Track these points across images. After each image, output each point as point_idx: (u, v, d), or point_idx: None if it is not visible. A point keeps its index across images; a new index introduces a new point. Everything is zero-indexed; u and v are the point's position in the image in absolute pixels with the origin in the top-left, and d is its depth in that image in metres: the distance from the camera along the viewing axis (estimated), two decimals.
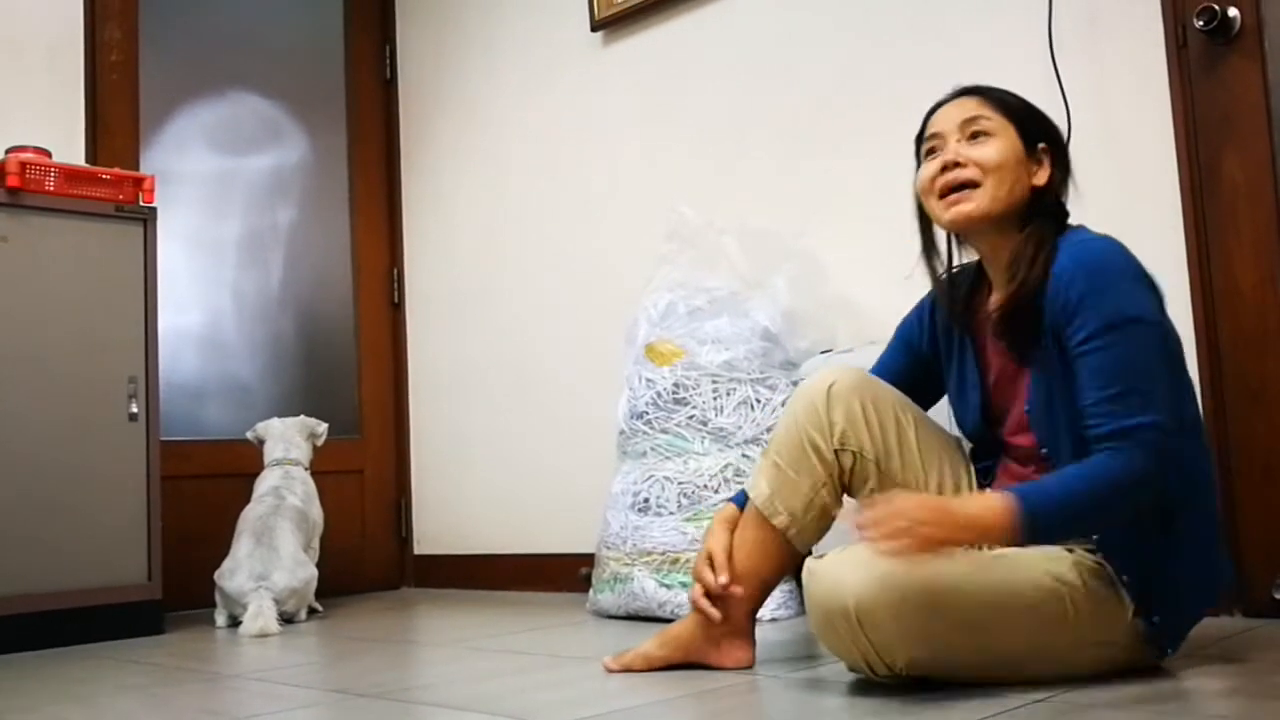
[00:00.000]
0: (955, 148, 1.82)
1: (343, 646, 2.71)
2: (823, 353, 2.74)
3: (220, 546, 3.19)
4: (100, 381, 2.99)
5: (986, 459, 1.93)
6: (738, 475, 2.73)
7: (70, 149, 3.39)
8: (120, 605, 2.95)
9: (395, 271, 4.28)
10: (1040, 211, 1.81)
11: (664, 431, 2.84)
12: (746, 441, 2.76)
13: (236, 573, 3.07)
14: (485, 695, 1.93)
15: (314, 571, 3.21)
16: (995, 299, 1.85)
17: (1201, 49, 2.39)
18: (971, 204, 1.80)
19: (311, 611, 3.27)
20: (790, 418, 1.91)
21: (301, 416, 3.51)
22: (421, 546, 4.14)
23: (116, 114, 3.60)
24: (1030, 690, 1.63)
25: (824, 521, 1.90)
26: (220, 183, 3.94)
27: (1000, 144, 1.81)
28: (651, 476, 2.82)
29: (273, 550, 3.09)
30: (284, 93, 4.12)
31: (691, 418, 2.80)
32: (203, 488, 3.59)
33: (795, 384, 2.75)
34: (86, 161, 3.44)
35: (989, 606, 1.63)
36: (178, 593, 3.22)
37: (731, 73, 3.25)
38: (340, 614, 3.37)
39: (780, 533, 1.89)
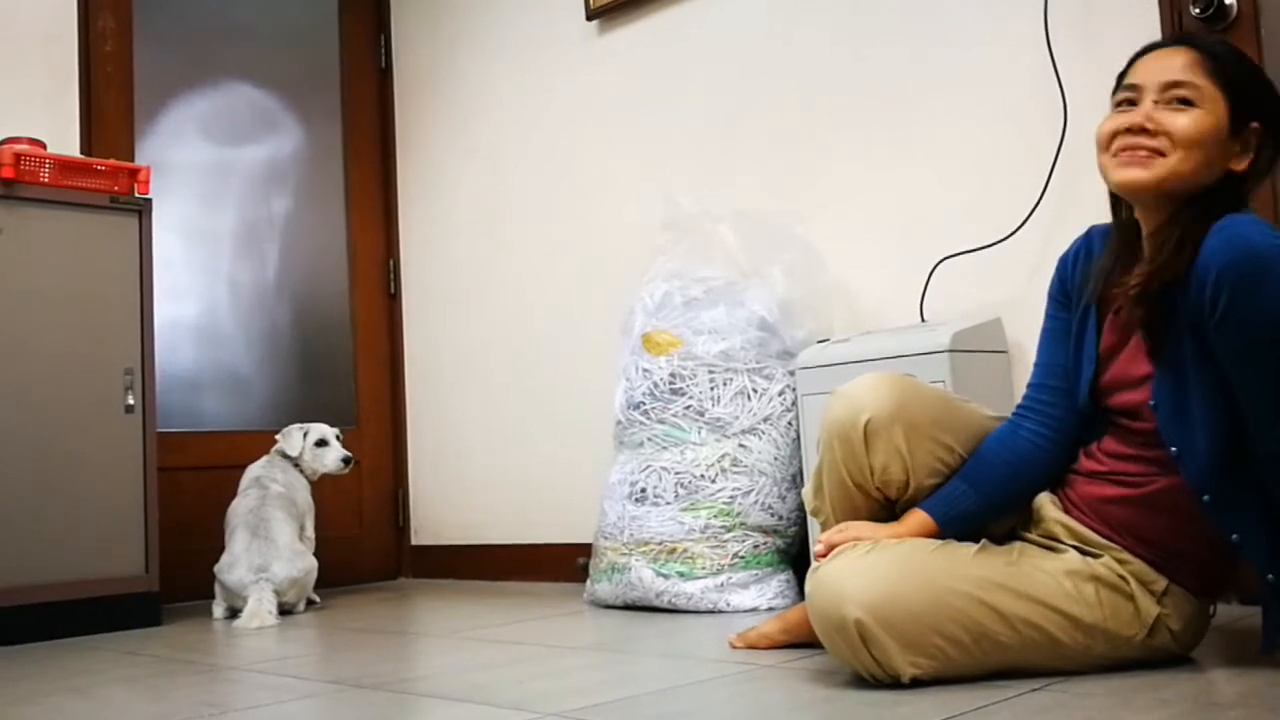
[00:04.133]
0: (1149, 110, 1.63)
1: (340, 638, 2.72)
2: (819, 342, 2.74)
3: (217, 538, 3.19)
4: (96, 373, 2.98)
5: (1088, 439, 1.77)
6: (734, 465, 2.73)
7: (65, 140, 3.38)
8: (117, 597, 2.95)
9: (391, 262, 4.27)
10: (1220, 197, 1.60)
11: (661, 422, 2.83)
12: (743, 431, 2.75)
13: (235, 566, 3.07)
14: (482, 685, 1.93)
15: (313, 562, 3.21)
16: (1134, 276, 1.64)
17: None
18: (1147, 172, 1.61)
19: (309, 603, 3.27)
20: (830, 452, 1.82)
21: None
22: (419, 537, 4.14)
23: (111, 105, 3.59)
24: (1028, 680, 1.63)
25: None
26: (215, 173, 3.93)
27: (1201, 117, 1.60)
28: (649, 466, 2.82)
29: (269, 541, 3.09)
30: (279, 82, 4.10)
31: (688, 408, 2.80)
32: (200, 479, 3.58)
33: (792, 374, 2.75)
34: (81, 153, 3.43)
35: (993, 622, 1.62)
36: (175, 584, 3.21)
37: (726, 61, 3.24)
38: (338, 605, 3.37)
39: None
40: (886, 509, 1.83)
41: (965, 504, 1.77)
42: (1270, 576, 1.58)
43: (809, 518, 2.68)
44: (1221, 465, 1.57)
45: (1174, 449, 1.61)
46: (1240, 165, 1.63)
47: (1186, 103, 1.61)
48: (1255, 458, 1.54)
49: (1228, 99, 1.62)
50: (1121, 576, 1.66)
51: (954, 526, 1.76)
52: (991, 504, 1.78)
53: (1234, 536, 1.59)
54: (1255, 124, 1.62)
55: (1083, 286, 1.80)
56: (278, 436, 3.40)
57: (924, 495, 1.79)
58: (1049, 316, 1.87)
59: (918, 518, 1.77)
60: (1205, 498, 1.59)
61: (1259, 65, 1.65)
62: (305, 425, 3.42)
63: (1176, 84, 1.62)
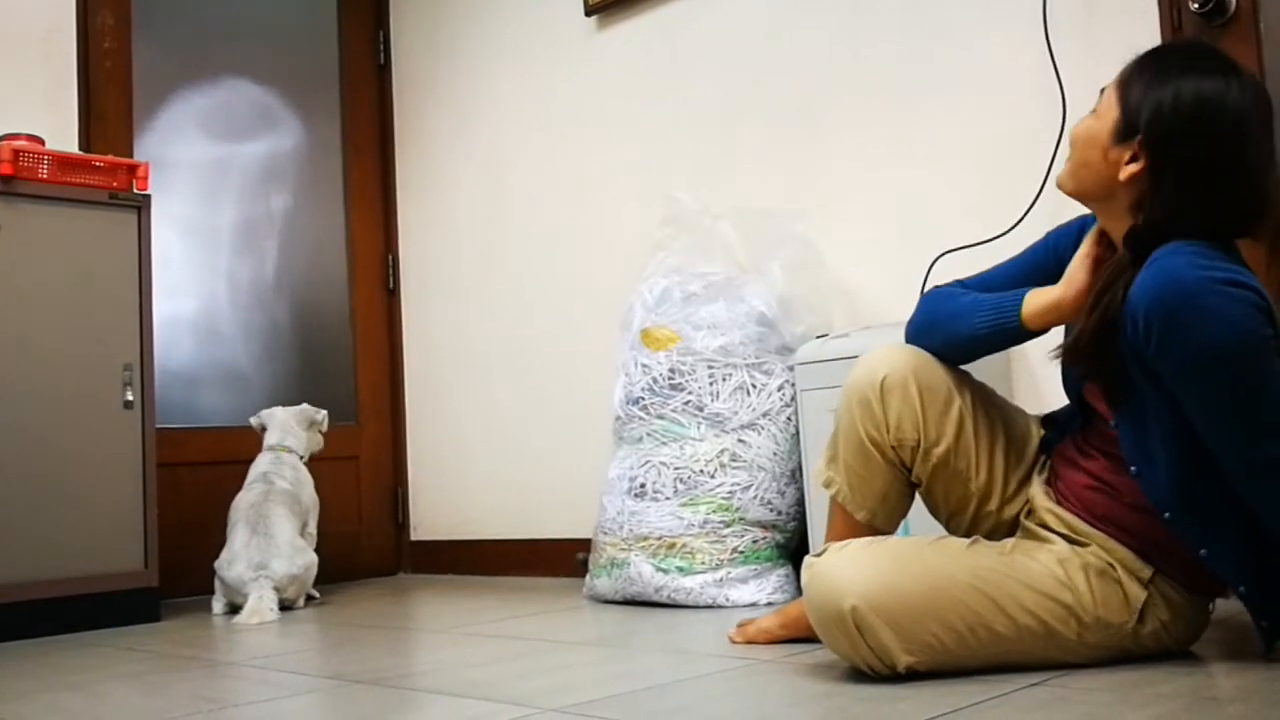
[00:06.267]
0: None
1: (340, 633, 2.72)
2: (818, 337, 2.74)
3: (217, 533, 3.18)
4: (95, 369, 2.98)
5: (1075, 426, 1.81)
6: (734, 460, 2.73)
7: (64, 136, 3.38)
8: (117, 593, 2.95)
9: (390, 257, 4.27)
10: (1145, 225, 1.59)
11: (660, 417, 2.83)
12: (742, 427, 2.75)
13: (235, 562, 3.06)
14: (482, 681, 1.93)
15: (314, 558, 3.20)
16: (1067, 340, 1.70)
17: (1197, 31, 2.38)
18: (1061, 173, 1.72)
19: (309, 598, 3.27)
20: (848, 414, 1.85)
21: (303, 405, 3.50)
22: (418, 533, 4.15)
23: (110, 101, 3.59)
24: (1026, 674, 1.64)
25: (904, 504, 1.89)
26: (214, 169, 3.93)
27: (1090, 123, 1.67)
28: (648, 462, 2.82)
29: (269, 538, 3.09)
30: (278, 79, 4.10)
31: (687, 403, 2.80)
32: (199, 475, 3.59)
33: (791, 369, 2.75)
34: (80, 149, 3.43)
35: (989, 611, 1.63)
36: (174, 580, 3.22)
37: (726, 57, 3.24)
38: (337, 601, 3.37)
39: (866, 522, 1.86)
40: (901, 479, 1.85)
41: None
42: (1242, 589, 1.60)
43: (808, 512, 2.68)
44: (1182, 487, 1.59)
45: (1134, 469, 1.64)
46: (1123, 175, 1.61)
47: (1095, 109, 1.67)
48: (1224, 475, 1.55)
49: (1120, 104, 1.62)
50: (1109, 563, 1.68)
51: None
52: None
53: (1202, 551, 1.60)
54: (1139, 136, 1.59)
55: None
56: (251, 421, 3.45)
57: (935, 463, 1.81)
58: (1031, 256, 1.89)
59: None
60: (1166, 515, 1.61)
61: (1195, 89, 1.57)
62: (285, 408, 3.46)
63: (1102, 90, 1.67)
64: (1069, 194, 1.73)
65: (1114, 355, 1.59)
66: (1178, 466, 1.58)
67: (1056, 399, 1.96)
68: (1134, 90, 1.62)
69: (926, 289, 1.99)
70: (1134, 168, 1.60)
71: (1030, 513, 1.80)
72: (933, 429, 1.80)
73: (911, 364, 1.82)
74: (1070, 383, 1.81)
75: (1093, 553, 1.69)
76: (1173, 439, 1.58)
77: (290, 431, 3.41)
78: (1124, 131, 1.61)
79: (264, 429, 3.44)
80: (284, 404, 3.51)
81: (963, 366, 1.89)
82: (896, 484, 1.85)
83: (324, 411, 3.54)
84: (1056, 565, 1.67)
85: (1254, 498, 1.55)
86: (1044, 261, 1.86)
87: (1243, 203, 1.58)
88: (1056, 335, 1.88)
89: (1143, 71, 1.63)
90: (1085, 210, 1.82)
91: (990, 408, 1.87)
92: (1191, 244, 1.53)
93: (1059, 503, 1.77)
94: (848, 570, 1.64)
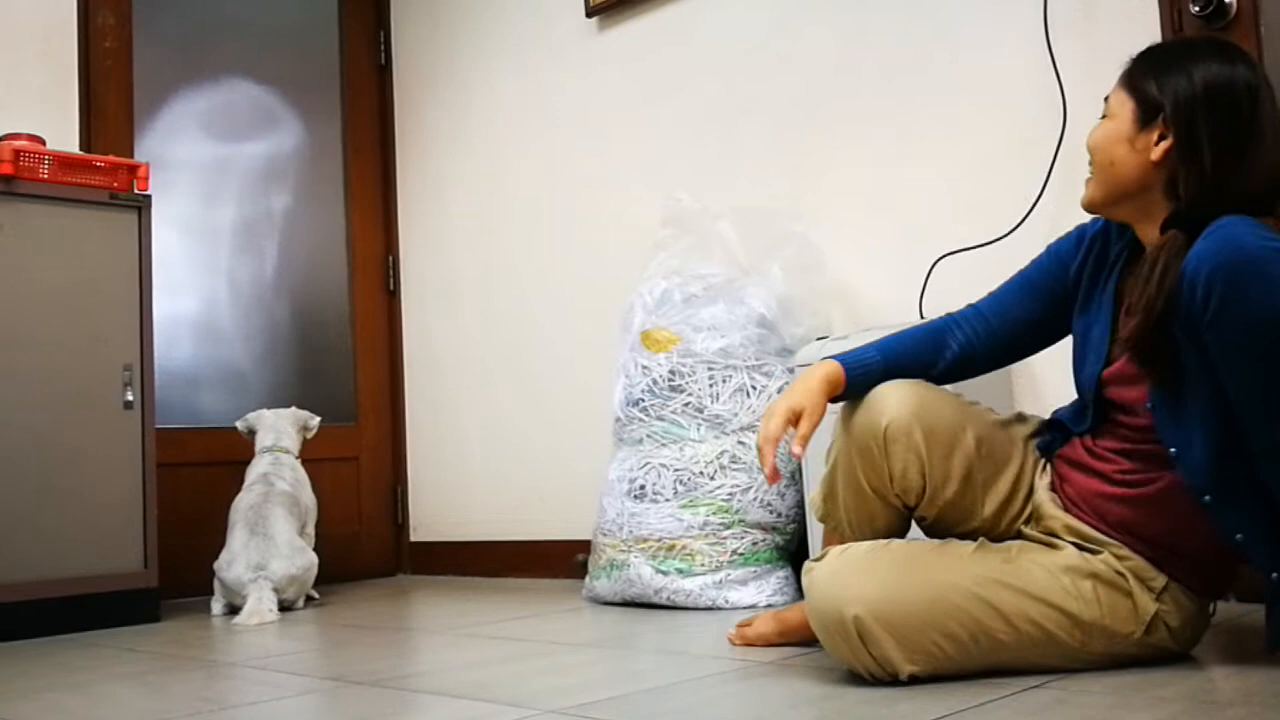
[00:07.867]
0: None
1: (339, 634, 2.72)
2: (818, 339, 2.74)
3: (216, 534, 3.18)
4: (95, 369, 2.98)
5: (1084, 425, 1.77)
6: (733, 462, 2.73)
7: (64, 136, 3.38)
8: (116, 593, 2.95)
9: (390, 258, 4.27)
10: (1185, 203, 1.60)
11: (660, 418, 2.83)
12: (742, 428, 2.75)
13: (234, 563, 3.06)
14: (480, 682, 1.93)
15: (313, 558, 3.20)
16: (1125, 331, 1.65)
17: (1197, 33, 2.38)
18: (1085, 193, 1.72)
19: (308, 599, 3.27)
20: (847, 460, 1.81)
21: (293, 408, 3.50)
22: (418, 533, 4.15)
23: (110, 101, 3.59)
24: (1026, 677, 1.63)
25: (905, 531, 1.86)
26: (215, 169, 3.93)
27: (1105, 125, 1.69)
28: (648, 463, 2.82)
29: (268, 539, 3.09)
30: (278, 79, 4.10)
31: (687, 405, 2.80)
32: (198, 475, 3.59)
33: (791, 371, 2.75)
34: (80, 149, 3.43)
35: (992, 620, 1.62)
36: (174, 580, 3.21)
37: (726, 58, 3.24)
38: (337, 601, 3.37)
39: None
40: (903, 516, 1.83)
41: (872, 373, 1.84)
42: (1275, 575, 1.58)
43: (808, 514, 2.68)
44: (1221, 467, 1.56)
45: (1173, 450, 1.60)
46: (1155, 155, 1.63)
47: (1105, 116, 1.71)
48: (1252, 455, 1.53)
49: (1132, 95, 1.66)
50: (1120, 573, 1.66)
51: (855, 387, 1.84)
52: (890, 379, 1.83)
53: (1238, 537, 1.58)
54: (1163, 114, 1.62)
55: (1095, 274, 1.79)
56: (238, 424, 3.44)
57: (942, 504, 1.78)
58: (1036, 267, 1.88)
59: (830, 366, 1.84)
60: (1206, 498, 1.58)
61: (1181, 58, 1.64)
62: (275, 410, 3.44)
63: (1106, 99, 1.71)
64: (1098, 207, 1.72)
65: (1169, 330, 1.57)
66: (1218, 447, 1.55)
67: (1056, 399, 1.96)
68: (1144, 79, 1.66)
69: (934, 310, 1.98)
70: (1165, 144, 1.62)
71: (1037, 519, 1.78)
72: (939, 473, 1.76)
73: (913, 407, 1.76)
74: (1086, 375, 1.76)
75: (1103, 560, 1.67)
76: (1214, 420, 1.55)
77: (284, 433, 3.41)
78: (1146, 116, 1.64)
79: (252, 432, 3.43)
80: (282, 405, 3.52)
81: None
82: (898, 520, 1.83)
83: (317, 418, 3.54)
84: (1063, 574, 1.65)
85: None
86: (1051, 269, 1.85)
87: (1271, 171, 1.59)
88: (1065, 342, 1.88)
89: (1147, 62, 1.68)
90: (1085, 219, 1.82)
91: (993, 435, 1.82)
92: (1243, 217, 1.52)
93: (1067, 509, 1.74)
94: (851, 578, 1.64)
